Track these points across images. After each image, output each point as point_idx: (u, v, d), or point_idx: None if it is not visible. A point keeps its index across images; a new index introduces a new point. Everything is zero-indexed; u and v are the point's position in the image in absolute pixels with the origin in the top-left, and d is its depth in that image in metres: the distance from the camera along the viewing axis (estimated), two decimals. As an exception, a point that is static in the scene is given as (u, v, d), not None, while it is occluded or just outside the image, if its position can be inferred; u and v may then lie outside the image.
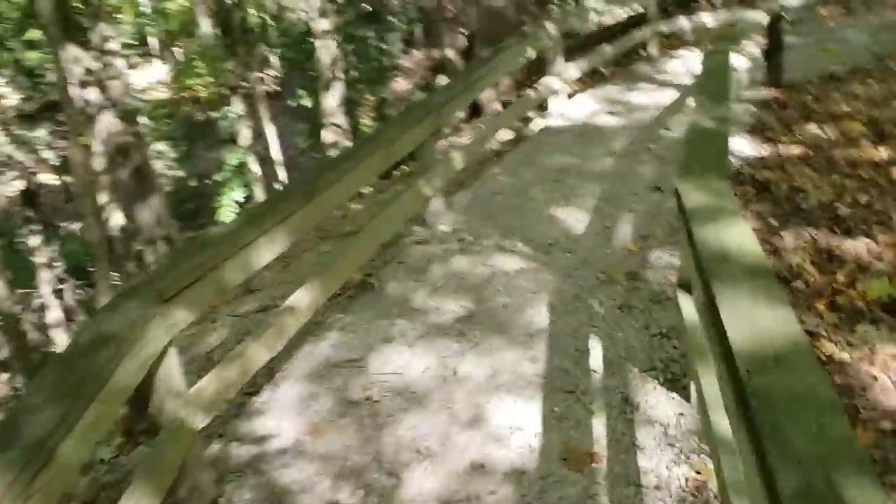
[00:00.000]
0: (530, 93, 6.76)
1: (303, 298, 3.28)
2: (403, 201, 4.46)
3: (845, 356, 2.98)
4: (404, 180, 6.16)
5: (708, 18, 9.52)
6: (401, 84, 23.49)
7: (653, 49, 9.30)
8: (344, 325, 3.75)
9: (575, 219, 4.77)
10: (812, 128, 5.74)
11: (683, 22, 9.46)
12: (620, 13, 8.22)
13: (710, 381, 2.25)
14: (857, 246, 3.87)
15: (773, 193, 4.68)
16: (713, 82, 3.96)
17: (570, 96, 7.75)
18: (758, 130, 6.00)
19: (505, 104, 8.37)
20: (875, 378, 2.85)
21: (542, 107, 7.36)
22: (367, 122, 18.25)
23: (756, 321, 1.59)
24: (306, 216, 3.27)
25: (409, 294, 4.01)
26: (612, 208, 4.86)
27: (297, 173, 17.68)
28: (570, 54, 8.92)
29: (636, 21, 9.43)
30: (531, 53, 6.60)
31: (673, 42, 10.22)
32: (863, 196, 4.44)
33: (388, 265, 4.40)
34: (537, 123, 7.27)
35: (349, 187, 3.72)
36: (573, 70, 7.58)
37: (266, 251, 2.94)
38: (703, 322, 2.39)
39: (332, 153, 12.01)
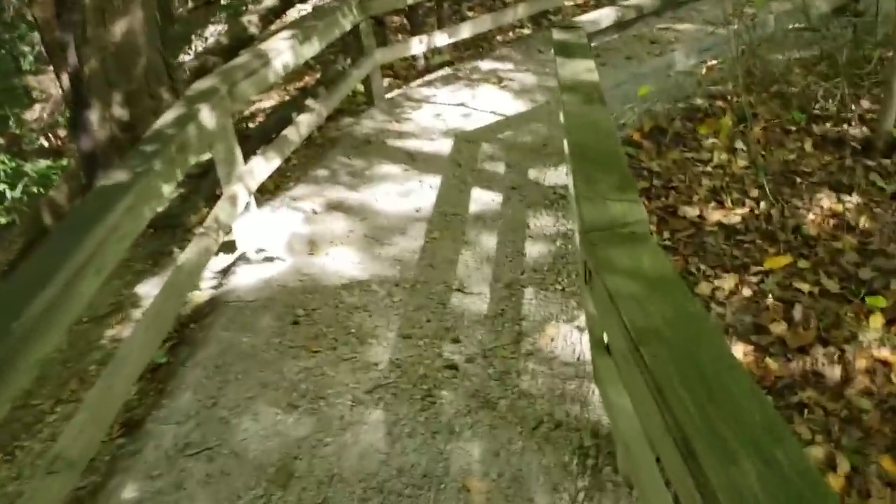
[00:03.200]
0: (196, 247, 3.50)
1: None
2: None
3: None
4: None
5: (443, 38, 6.88)
6: (36, 112, 18.37)
7: (380, 90, 6.44)
8: None
9: None
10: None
11: (415, 45, 6.71)
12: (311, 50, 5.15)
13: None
14: None
15: None
16: None
17: (258, 203, 4.62)
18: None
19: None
20: None
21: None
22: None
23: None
24: None
25: None
26: None
27: None
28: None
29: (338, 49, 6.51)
30: (179, 174, 3.34)
31: (401, 74, 7.49)
32: None
33: None
34: (217, 272, 4.04)
35: None
36: (262, 167, 4.43)
37: None
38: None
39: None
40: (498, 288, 3.51)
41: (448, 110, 6.12)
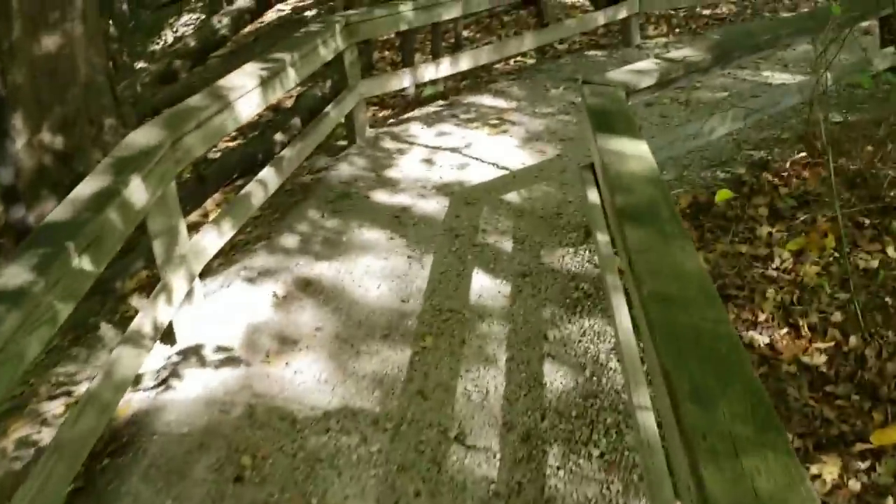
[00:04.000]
0: (115, 369, 2.62)
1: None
2: None
3: None
4: None
5: (438, 70, 6.03)
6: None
7: (363, 127, 5.59)
8: None
9: None
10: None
11: (407, 78, 5.86)
12: (284, 88, 4.32)
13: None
14: None
15: None
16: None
17: (206, 273, 3.76)
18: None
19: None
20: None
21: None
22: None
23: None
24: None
25: None
26: None
27: None
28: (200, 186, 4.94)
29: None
30: (92, 274, 2.45)
31: (387, 102, 6.65)
32: None
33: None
34: (149, 373, 3.16)
35: None
36: (213, 242, 3.55)
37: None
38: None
39: None
40: (511, 441, 2.67)
41: (441, 157, 5.28)
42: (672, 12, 8.65)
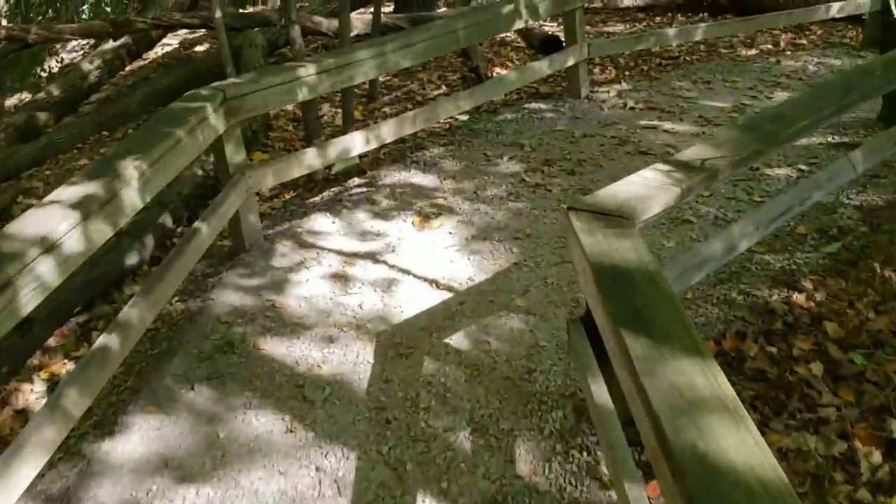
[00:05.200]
0: None
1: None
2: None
3: None
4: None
5: (353, 144, 4.78)
6: None
7: (252, 230, 4.30)
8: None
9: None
10: None
11: (311, 158, 4.58)
12: (124, 215, 3.04)
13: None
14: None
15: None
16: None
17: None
18: None
19: None
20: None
21: None
22: None
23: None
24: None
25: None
26: None
27: None
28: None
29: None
30: None
31: (287, 181, 5.40)
32: None
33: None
34: None
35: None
36: (14, 483, 2.18)
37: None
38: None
39: None
40: None
41: (358, 270, 4.03)
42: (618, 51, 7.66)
